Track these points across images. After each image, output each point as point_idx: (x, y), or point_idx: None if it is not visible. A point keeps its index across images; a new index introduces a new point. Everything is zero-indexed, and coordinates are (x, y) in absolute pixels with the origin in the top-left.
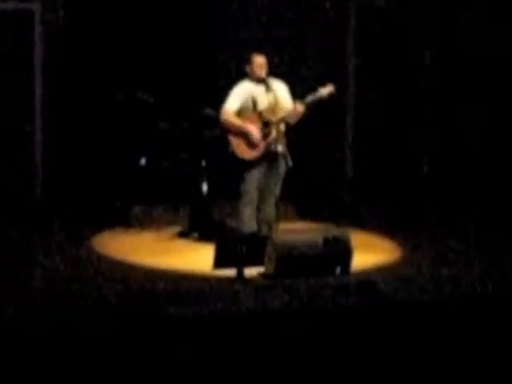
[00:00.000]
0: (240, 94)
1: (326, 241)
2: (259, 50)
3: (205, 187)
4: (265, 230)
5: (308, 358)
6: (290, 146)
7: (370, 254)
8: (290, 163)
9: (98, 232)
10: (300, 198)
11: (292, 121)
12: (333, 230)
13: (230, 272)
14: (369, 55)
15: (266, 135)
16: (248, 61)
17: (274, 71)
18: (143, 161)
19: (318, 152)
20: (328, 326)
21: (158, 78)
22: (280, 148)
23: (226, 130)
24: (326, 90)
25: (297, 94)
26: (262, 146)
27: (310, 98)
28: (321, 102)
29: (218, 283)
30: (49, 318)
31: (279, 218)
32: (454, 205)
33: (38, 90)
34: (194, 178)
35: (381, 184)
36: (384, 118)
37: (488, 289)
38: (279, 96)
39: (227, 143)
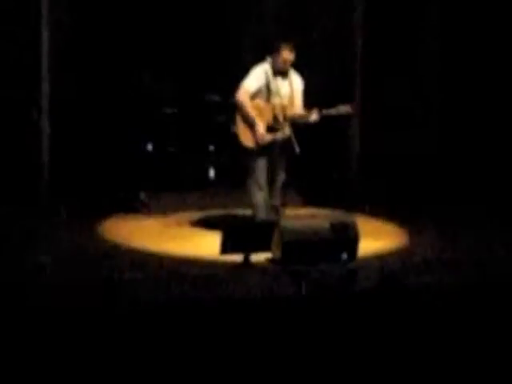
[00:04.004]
0: (260, 78)
1: (332, 226)
2: (291, 43)
3: (212, 173)
4: (273, 215)
5: (313, 346)
6: (295, 132)
7: (376, 239)
8: (298, 150)
9: (105, 218)
10: (307, 184)
11: (300, 123)
12: (339, 216)
13: (237, 257)
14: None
15: (271, 130)
16: (276, 49)
17: None
18: (150, 146)
19: (325, 139)
20: (334, 313)
21: (164, 63)
22: (283, 135)
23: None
24: (344, 109)
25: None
26: (265, 139)
27: (328, 111)
28: (335, 118)
29: (225, 269)
30: (53, 303)
31: (286, 204)
32: (462, 191)
33: (45, 76)
34: (201, 163)
35: (387, 170)
36: (389, 104)
37: (492, 275)
38: (294, 92)
39: (233, 123)
